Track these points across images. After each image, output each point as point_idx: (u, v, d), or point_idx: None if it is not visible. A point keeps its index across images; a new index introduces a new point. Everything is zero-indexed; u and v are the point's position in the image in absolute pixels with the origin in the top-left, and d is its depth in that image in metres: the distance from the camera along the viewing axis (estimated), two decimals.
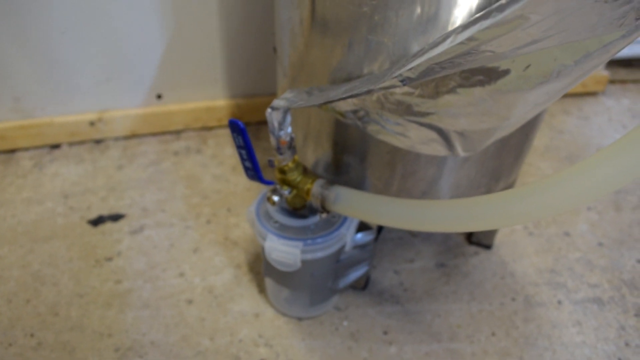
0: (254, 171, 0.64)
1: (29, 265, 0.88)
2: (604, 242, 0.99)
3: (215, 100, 1.21)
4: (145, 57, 1.11)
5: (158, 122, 1.19)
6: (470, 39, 0.42)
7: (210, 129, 1.24)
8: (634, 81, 1.63)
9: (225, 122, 1.23)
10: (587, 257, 0.95)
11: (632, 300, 0.88)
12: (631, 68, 1.65)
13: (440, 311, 0.83)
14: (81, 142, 1.17)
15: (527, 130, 0.74)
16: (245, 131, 0.59)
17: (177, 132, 1.22)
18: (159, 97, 1.17)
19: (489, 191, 0.76)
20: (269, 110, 0.61)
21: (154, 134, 1.21)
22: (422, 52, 0.47)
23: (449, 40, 0.43)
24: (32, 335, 0.77)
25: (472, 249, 0.95)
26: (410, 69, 0.49)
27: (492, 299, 0.86)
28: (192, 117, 1.20)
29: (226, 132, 1.23)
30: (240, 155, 0.62)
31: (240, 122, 0.58)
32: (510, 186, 0.84)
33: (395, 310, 0.83)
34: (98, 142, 1.18)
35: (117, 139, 1.19)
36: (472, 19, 0.43)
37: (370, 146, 0.69)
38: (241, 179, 1.08)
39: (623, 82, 1.63)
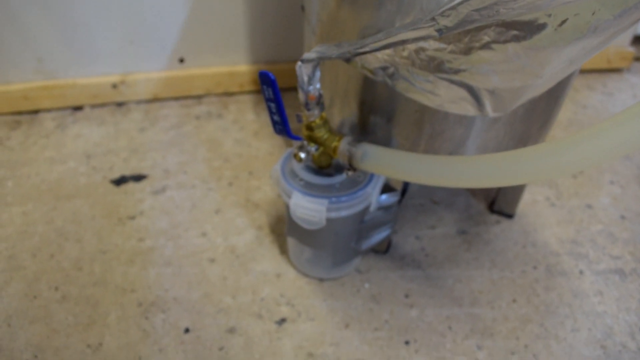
0: (282, 125, 0.63)
1: (52, 221, 0.89)
2: (626, 216, 0.98)
3: (237, 66, 1.20)
4: (168, 21, 1.11)
5: (180, 86, 1.19)
6: None
7: (231, 94, 1.24)
8: None
9: (247, 87, 1.23)
10: (609, 230, 0.94)
11: None
12: None
13: (462, 277, 0.83)
14: (103, 105, 1.18)
15: (555, 95, 0.73)
16: (276, 83, 0.58)
17: (199, 97, 1.22)
18: (182, 61, 1.17)
19: None
20: (299, 63, 0.60)
21: (175, 98, 1.21)
22: None
23: None
24: (56, 289, 0.78)
25: (494, 217, 0.94)
26: (449, 15, 0.48)
27: (514, 266, 0.85)
28: (214, 82, 1.20)
29: (247, 98, 1.23)
30: (269, 108, 0.62)
31: (271, 74, 0.58)
32: None
33: (416, 274, 0.83)
34: (120, 104, 1.18)
35: (139, 102, 1.19)
36: None
37: (398, 105, 0.68)
38: (263, 144, 1.08)
39: None
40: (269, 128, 1.12)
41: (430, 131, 0.69)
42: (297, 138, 0.68)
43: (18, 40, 1.06)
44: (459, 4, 0.47)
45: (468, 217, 0.94)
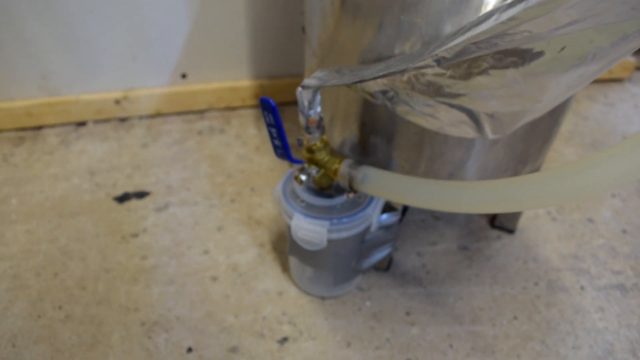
0: (283, 149, 0.64)
1: (56, 239, 0.90)
2: (627, 229, 0.98)
3: (239, 81, 1.21)
4: (171, 37, 1.11)
5: (182, 102, 1.20)
6: (511, 18, 0.42)
7: (233, 109, 1.24)
8: None
9: (249, 102, 1.24)
10: (611, 244, 0.95)
11: None
12: None
13: (463, 294, 0.83)
14: (106, 120, 1.19)
15: (556, 115, 0.73)
16: (277, 109, 0.59)
17: (201, 112, 1.23)
18: (184, 76, 1.18)
19: (515, 174, 0.76)
20: (299, 89, 0.61)
21: (178, 113, 1.22)
22: (463, 30, 0.47)
23: (493, 19, 0.43)
24: (60, 308, 0.79)
25: (495, 232, 0.95)
26: (448, 48, 0.48)
27: (515, 283, 0.86)
28: (216, 96, 1.21)
29: (249, 113, 1.24)
30: (270, 133, 0.63)
31: (271, 100, 0.58)
32: (536, 170, 0.84)
33: (417, 291, 0.83)
34: (123, 120, 1.19)
35: (141, 117, 1.20)
36: None
37: (398, 127, 0.69)
38: (264, 159, 1.09)
39: None
40: (269, 144, 1.12)
41: (430, 153, 0.70)
42: (297, 162, 0.68)
43: (22, 58, 1.07)
44: (460, 40, 0.47)
45: (469, 233, 0.94)
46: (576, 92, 0.67)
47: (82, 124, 1.17)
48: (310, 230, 0.68)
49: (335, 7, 0.66)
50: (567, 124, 1.30)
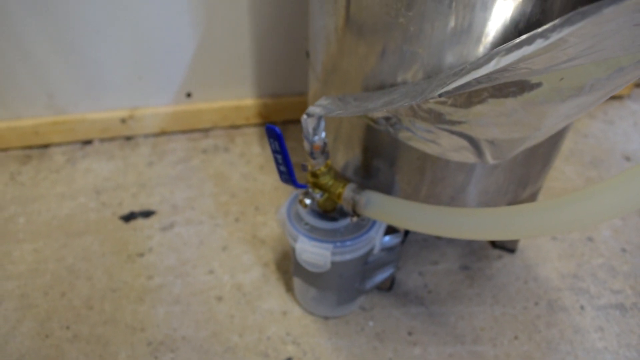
0: (288, 175, 0.65)
1: (63, 259, 0.91)
2: (627, 249, 0.99)
3: (244, 99, 1.23)
4: (176, 56, 1.13)
5: (187, 120, 1.21)
6: (511, 63, 0.44)
7: (238, 127, 1.26)
8: None
9: (253, 120, 1.25)
10: (610, 263, 0.96)
11: None
12: None
13: (464, 313, 0.85)
14: (112, 139, 1.20)
15: (555, 139, 0.74)
16: (282, 137, 0.60)
17: (206, 130, 1.24)
18: (189, 95, 1.19)
19: (515, 197, 0.77)
20: (304, 116, 0.63)
21: (183, 132, 1.23)
22: (463, 72, 0.48)
23: (492, 63, 0.45)
24: (67, 328, 0.80)
25: (496, 252, 0.96)
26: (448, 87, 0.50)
27: (515, 302, 0.87)
28: (221, 115, 1.22)
29: (253, 131, 1.25)
30: (276, 159, 0.64)
31: (277, 128, 0.60)
32: (536, 192, 0.86)
33: (419, 311, 0.84)
34: (128, 138, 1.21)
35: (147, 136, 1.21)
36: (515, 42, 0.44)
37: (401, 152, 0.70)
38: (269, 178, 1.10)
39: None
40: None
41: (431, 177, 0.71)
42: (302, 186, 0.70)
43: (29, 77, 1.09)
44: (462, 82, 0.49)
45: (470, 252, 0.95)
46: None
47: (88, 142, 1.19)
48: (314, 253, 0.69)
49: (338, 34, 0.68)
50: (567, 142, 1.31)
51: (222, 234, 0.96)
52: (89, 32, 1.05)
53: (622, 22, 0.41)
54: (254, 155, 1.17)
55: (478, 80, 0.49)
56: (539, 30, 0.42)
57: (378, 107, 0.56)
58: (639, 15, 0.41)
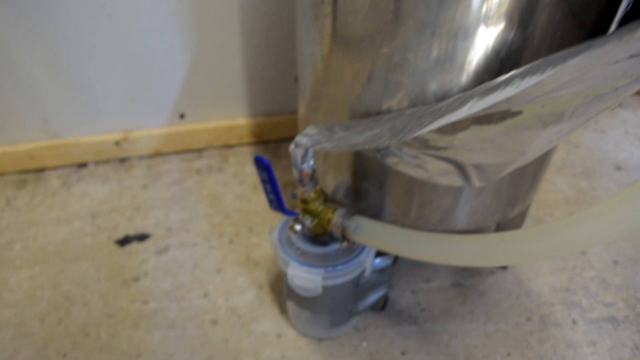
0: (277, 203, 0.66)
1: (59, 285, 0.92)
2: (619, 260, 1.00)
3: (236, 119, 1.24)
4: (169, 79, 1.14)
5: (181, 141, 1.22)
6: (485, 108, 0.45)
7: (231, 147, 1.27)
8: None
9: (246, 140, 1.26)
10: (602, 276, 0.97)
11: None
12: None
13: (457, 331, 0.85)
14: (107, 161, 1.21)
15: (542, 159, 0.75)
16: (270, 167, 0.61)
17: (200, 151, 1.25)
18: (182, 116, 1.20)
19: (504, 216, 0.78)
20: (292, 146, 0.64)
21: (177, 152, 1.24)
22: (440, 113, 0.49)
23: (466, 108, 0.46)
24: (64, 355, 0.81)
25: (488, 268, 0.97)
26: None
27: (508, 318, 0.88)
28: (214, 135, 1.23)
29: (247, 150, 1.26)
30: (265, 189, 0.65)
31: (265, 159, 0.61)
32: (525, 210, 0.87)
33: (412, 330, 0.85)
34: (123, 160, 1.22)
35: (141, 157, 1.22)
36: (489, 86, 0.45)
37: (389, 176, 0.71)
38: (262, 198, 1.11)
39: None
40: None
41: (420, 200, 0.72)
42: (291, 213, 0.71)
43: (23, 102, 1.10)
44: (433, 126, 0.50)
45: (463, 269, 0.96)
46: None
47: (83, 165, 1.20)
48: (305, 278, 0.70)
49: (324, 62, 0.69)
50: (559, 153, 1.32)
51: (217, 256, 0.97)
52: (82, 57, 1.06)
53: (592, 65, 0.42)
54: (247, 175, 1.18)
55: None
56: (507, 76, 0.43)
57: (360, 144, 0.57)
58: (608, 58, 0.42)
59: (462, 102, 0.47)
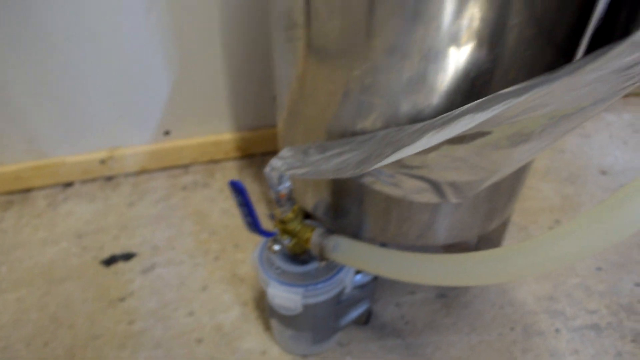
0: (254, 225, 0.67)
1: (46, 307, 0.92)
2: (602, 267, 1.01)
3: (221, 134, 1.25)
4: (152, 96, 1.15)
5: (166, 158, 1.23)
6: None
7: (217, 162, 1.28)
8: (636, 94, 1.65)
9: (232, 154, 1.27)
10: (586, 283, 0.97)
11: (630, 325, 0.90)
12: None
13: (441, 343, 0.86)
14: (93, 180, 1.22)
15: (518, 174, 0.76)
16: (245, 191, 0.62)
17: (185, 167, 1.26)
18: (167, 133, 1.21)
19: (483, 230, 0.79)
20: (268, 168, 0.64)
21: (163, 169, 1.25)
22: (399, 145, 0.50)
23: (423, 142, 0.46)
24: None
25: None
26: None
27: (492, 329, 0.88)
28: (200, 151, 1.24)
29: (232, 165, 1.27)
30: (242, 212, 0.66)
31: (239, 183, 0.61)
32: (505, 222, 0.87)
33: (396, 344, 0.86)
34: (109, 178, 1.22)
35: (127, 175, 1.23)
36: (444, 119, 0.46)
37: (366, 194, 0.72)
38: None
39: (625, 95, 1.64)
40: (253, 196, 1.16)
41: (397, 217, 0.73)
42: (269, 234, 0.71)
43: (9, 123, 1.10)
44: (397, 157, 0.51)
45: None
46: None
47: (69, 184, 1.20)
48: (285, 297, 0.71)
49: (299, 83, 0.70)
50: (544, 159, 1.33)
51: (202, 274, 0.98)
52: (66, 77, 1.07)
53: (552, 93, 0.43)
54: None
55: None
56: (462, 109, 0.44)
57: (329, 172, 0.57)
58: (569, 87, 0.43)
59: (420, 134, 0.48)
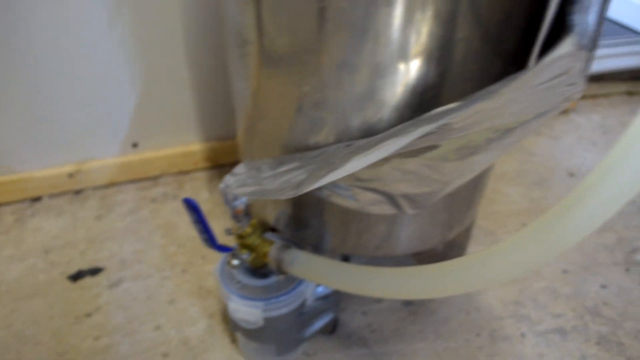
0: (210, 241, 0.67)
1: (12, 325, 0.92)
2: (569, 269, 1.02)
3: (190, 145, 1.25)
4: (119, 110, 1.15)
5: (135, 170, 1.23)
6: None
7: (187, 172, 1.28)
8: (605, 95, 1.67)
9: (201, 165, 1.27)
10: (552, 286, 0.99)
11: (595, 328, 0.91)
12: (602, 82, 1.68)
13: (406, 351, 0.87)
14: (61, 194, 1.21)
15: (476, 182, 0.77)
16: (198, 208, 0.62)
17: (155, 178, 1.26)
18: (135, 145, 1.21)
19: (443, 239, 0.80)
20: (222, 185, 0.65)
21: (132, 181, 1.24)
22: (331, 168, 0.50)
23: (349, 166, 0.47)
24: None
25: None
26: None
27: (457, 335, 0.89)
28: (169, 162, 1.24)
29: (202, 175, 1.27)
30: (197, 228, 0.66)
31: (193, 201, 0.62)
32: (466, 230, 0.88)
33: (362, 352, 0.86)
34: (78, 192, 1.22)
35: (96, 188, 1.22)
36: (374, 140, 0.47)
37: (325, 206, 0.73)
38: (216, 224, 1.10)
39: (594, 97, 1.66)
40: (222, 207, 1.16)
41: (356, 229, 0.73)
42: (226, 249, 0.72)
43: None
44: (338, 176, 0.51)
45: None
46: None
47: (37, 199, 1.19)
48: (245, 311, 0.71)
49: (253, 97, 0.70)
50: (513, 162, 1.34)
51: (170, 287, 0.98)
52: (32, 92, 1.07)
53: (478, 115, 0.44)
54: (202, 201, 1.18)
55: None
56: (383, 135, 0.45)
57: (273, 192, 0.57)
58: (494, 105, 0.44)
59: (344, 159, 0.48)
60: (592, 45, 0.46)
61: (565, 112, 1.58)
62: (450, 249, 0.96)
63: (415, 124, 0.44)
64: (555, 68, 0.43)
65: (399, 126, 0.46)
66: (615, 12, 1.74)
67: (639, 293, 0.98)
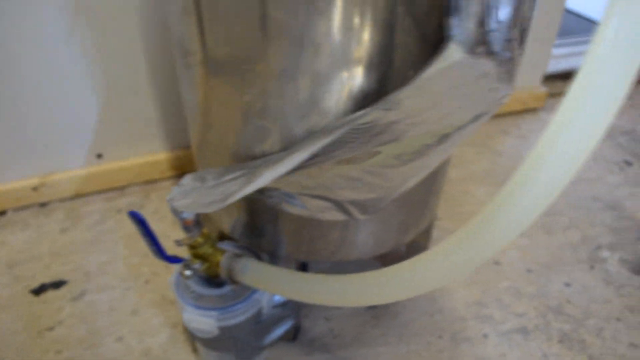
0: (159, 253, 0.67)
1: None
2: (532, 269, 1.03)
3: (156, 154, 1.24)
4: (82, 121, 1.14)
5: (101, 181, 1.22)
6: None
7: (154, 182, 1.27)
8: None
9: (168, 174, 1.27)
10: (516, 286, 0.99)
11: (557, 326, 0.92)
12: (570, 80, 1.68)
13: (369, 356, 0.87)
14: (26, 207, 1.20)
15: (429, 184, 0.77)
16: (144, 222, 0.62)
17: (121, 189, 1.25)
18: (100, 156, 1.20)
19: (399, 243, 0.80)
20: (168, 197, 0.64)
21: (98, 192, 1.24)
22: (248, 181, 0.50)
23: (260, 181, 0.47)
24: None
25: None
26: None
27: (420, 338, 0.89)
28: (134, 172, 1.24)
29: (169, 184, 1.27)
30: (146, 241, 0.66)
31: (138, 214, 0.62)
32: (424, 232, 0.88)
33: (325, 358, 0.86)
34: (43, 205, 1.21)
35: (62, 200, 1.22)
36: (277, 158, 0.47)
37: (278, 214, 0.73)
38: (181, 234, 1.11)
39: (562, 94, 1.67)
40: None
41: (309, 235, 0.74)
42: (176, 261, 0.72)
43: None
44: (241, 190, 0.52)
45: None
46: (448, 161, 0.72)
47: (2, 213, 1.19)
48: (200, 321, 0.71)
49: (200, 108, 0.70)
50: (483, 162, 1.35)
51: (133, 298, 0.97)
52: None
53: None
54: (168, 211, 1.18)
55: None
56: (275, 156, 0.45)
57: (217, 203, 0.57)
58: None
59: (252, 175, 0.49)
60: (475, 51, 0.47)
61: (533, 110, 1.59)
62: (412, 250, 0.96)
63: (325, 131, 0.45)
64: (444, 75, 0.44)
65: (311, 136, 0.46)
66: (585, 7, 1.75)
67: (602, 290, 0.99)
